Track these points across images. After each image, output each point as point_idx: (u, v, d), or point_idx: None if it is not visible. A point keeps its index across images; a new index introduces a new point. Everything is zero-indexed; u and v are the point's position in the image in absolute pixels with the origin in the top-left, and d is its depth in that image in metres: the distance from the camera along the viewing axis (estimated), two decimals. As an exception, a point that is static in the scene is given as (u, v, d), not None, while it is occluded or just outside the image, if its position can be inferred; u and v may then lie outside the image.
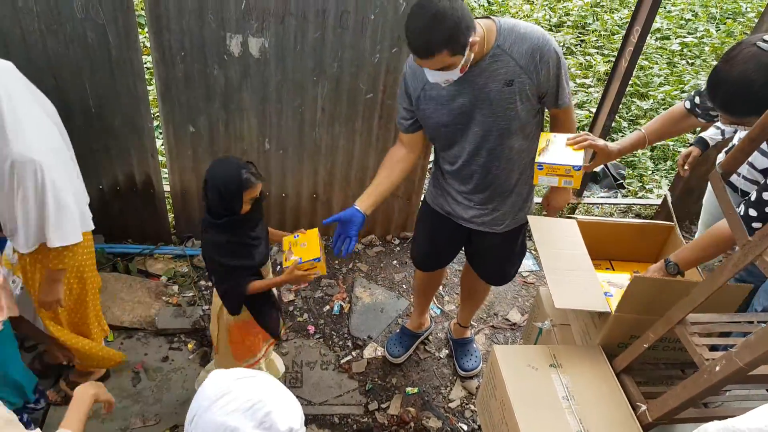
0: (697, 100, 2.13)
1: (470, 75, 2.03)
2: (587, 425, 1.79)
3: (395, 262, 3.70)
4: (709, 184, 2.92)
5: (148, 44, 2.88)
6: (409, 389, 3.02)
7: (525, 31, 2.02)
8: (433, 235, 2.61)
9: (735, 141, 2.66)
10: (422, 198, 2.69)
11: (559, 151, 2.05)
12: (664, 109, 5.21)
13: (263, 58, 2.89)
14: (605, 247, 2.36)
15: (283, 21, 2.79)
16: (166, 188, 3.43)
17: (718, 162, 2.76)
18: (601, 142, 2.08)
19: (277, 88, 3.01)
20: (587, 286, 1.99)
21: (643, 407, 1.82)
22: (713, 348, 1.74)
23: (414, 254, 2.82)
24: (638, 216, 4.22)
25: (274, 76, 2.96)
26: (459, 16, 1.82)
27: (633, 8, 3.20)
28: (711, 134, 2.84)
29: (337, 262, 3.63)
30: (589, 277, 2.03)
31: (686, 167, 2.70)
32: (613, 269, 2.42)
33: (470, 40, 1.88)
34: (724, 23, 6.67)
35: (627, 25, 3.29)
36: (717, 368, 1.47)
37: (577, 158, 2.01)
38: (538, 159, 2.05)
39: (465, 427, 2.88)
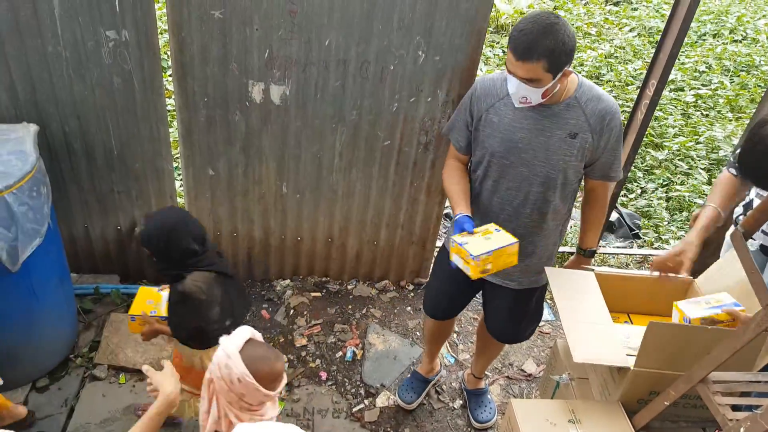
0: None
1: (540, 114, 2.05)
2: (608, 485, 1.73)
3: (409, 308, 3.67)
4: (727, 234, 2.91)
5: (170, 88, 2.96)
6: (422, 441, 2.96)
7: (601, 94, 2.09)
8: (447, 282, 2.59)
9: (752, 195, 2.65)
10: (441, 244, 2.67)
11: (478, 239, 2.06)
12: (680, 159, 5.22)
13: (284, 105, 2.95)
14: (623, 300, 2.33)
15: (305, 70, 2.85)
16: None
17: (735, 215, 2.77)
18: (684, 266, 2.08)
19: (296, 134, 3.06)
20: (606, 340, 1.95)
21: (666, 468, 1.76)
22: (735, 407, 1.69)
23: (426, 301, 2.80)
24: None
25: (293, 123, 3.02)
26: (568, 38, 1.87)
27: (648, 60, 3.25)
28: None
29: (350, 307, 3.61)
30: (608, 330, 1.99)
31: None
32: (632, 322, 2.38)
33: (566, 68, 1.91)
34: (738, 75, 6.73)
35: (642, 75, 3.33)
36: (741, 430, 1.42)
37: (481, 249, 2.01)
38: (454, 238, 2.09)
39: (479, 482, 2.80)
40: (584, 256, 2.42)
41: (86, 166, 3.04)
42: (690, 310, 2.00)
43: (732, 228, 2.88)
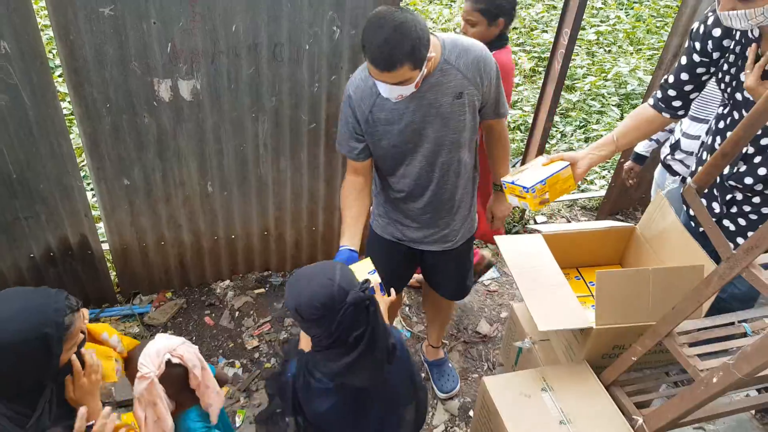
0: (658, 94, 2.17)
1: (419, 91, 1.99)
2: (589, 447, 1.77)
3: (357, 288, 3.61)
4: (656, 173, 3.02)
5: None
6: (390, 420, 2.95)
7: (467, 44, 2.05)
8: (387, 263, 2.53)
9: (678, 134, 2.75)
10: (370, 226, 2.61)
11: (527, 173, 2.07)
12: (592, 99, 5.37)
13: (196, 101, 2.74)
14: (571, 256, 2.37)
15: (214, 60, 2.65)
16: (105, 246, 3.21)
17: (663, 155, 2.86)
18: (567, 155, 2.10)
19: (215, 129, 2.86)
20: (566, 304, 1.98)
21: (640, 420, 1.82)
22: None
23: None
24: (584, 208, 4.32)
25: (210, 118, 2.81)
26: (420, 29, 1.79)
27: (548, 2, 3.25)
28: (644, 147, 3.02)
29: (297, 297, 3.50)
30: (565, 293, 2.02)
31: (631, 181, 2.90)
32: (582, 276, 2.43)
33: (428, 54, 1.85)
34: (632, 8, 6.96)
35: (544, 19, 3.34)
36: (714, 380, 1.47)
37: (534, 180, 2.01)
38: (504, 179, 2.09)
39: (453, 452, 2.84)
40: (501, 191, 2.43)
41: (-18, 196, 2.72)
42: (524, 181, 2.05)
43: (659, 167, 2.99)
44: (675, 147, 2.74)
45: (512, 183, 2.10)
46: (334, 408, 1.54)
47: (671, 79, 2.11)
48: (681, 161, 2.77)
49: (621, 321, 1.90)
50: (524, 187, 2.01)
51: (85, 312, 1.53)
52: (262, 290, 3.51)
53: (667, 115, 2.16)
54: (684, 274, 1.80)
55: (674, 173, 2.82)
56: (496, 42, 2.68)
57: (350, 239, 2.13)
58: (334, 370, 1.50)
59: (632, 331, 1.91)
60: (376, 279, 1.91)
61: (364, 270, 1.94)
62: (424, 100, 2.03)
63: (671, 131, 2.84)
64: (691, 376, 1.64)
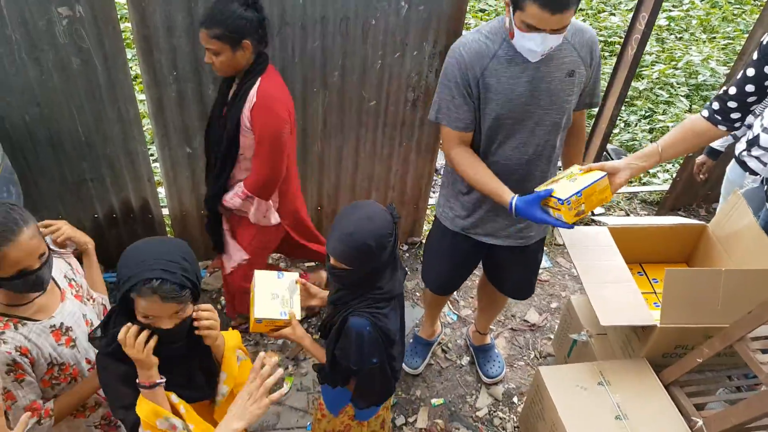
0: (715, 105, 2.03)
1: (536, 62, 1.93)
2: (645, 446, 1.73)
3: (405, 268, 3.60)
4: (728, 169, 2.89)
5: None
6: (434, 401, 2.95)
7: (581, 24, 2.00)
8: (451, 258, 2.49)
9: (757, 129, 2.61)
10: (434, 212, 2.56)
11: (562, 182, 1.95)
12: (659, 88, 5.16)
13: (260, 73, 2.75)
14: (636, 251, 2.29)
15: (280, 32, 2.64)
16: (165, 211, 3.29)
17: (738, 151, 2.72)
18: (607, 164, 1.97)
19: (276, 101, 2.87)
20: (630, 300, 1.92)
21: (700, 422, 1.76)
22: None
23: (429, 279, 2.68)
24: (644, 202, 4.18)
25: (272, 90, 2.82)
26: None
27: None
28: (720, 142, 2.88)
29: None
30: (630, 289, 1.95)
31: (702, 176, 2.75)
32: (645, 272, 2.35)
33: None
34: (708, -7, 6.62)
35: (610, 1, 3.21)
36: (790, 389, 1.41)
37: (570, 191, 1.89)
38: (537, 189, 1.98)
39: (495, 436, 2.82)
40: None
41: (54, 157, 2.81)
42: (559, 192, 1.90)
43: (732, 162, 2.85)
44: (753, 143, 2.59)
45: (547, 195, 1.94)
46: (398, 318, 1.79)
47: (733, 90, 1.94)
48: (758, 158, 2.62)
49: (687, 321, 1.83)
50: (559, 199, 1.87)
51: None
52: (312, 263, 3.54)
53: (723, 128, 1.99)
54: (760, 278, 1.72)
55: (749, 170, 2.68)
56: (257, 67, 2.31)
57: (507, 196, 2.01)
58: (390, 291, 1.72)
59: (698, 332, 1.84)
60: (588, 176, 1.91)
61: (573, 171, 1.96)
62: (539, 72, 1.95)
63: (749, 126, 2.69)
64: (757, 383, 1.57)
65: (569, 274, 3.66)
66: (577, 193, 1.86)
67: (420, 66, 2.87)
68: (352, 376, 1.82)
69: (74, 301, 1.77)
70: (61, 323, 1.68)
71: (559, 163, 2.31)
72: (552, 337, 3.24)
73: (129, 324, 1.48)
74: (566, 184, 1.94)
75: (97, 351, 1.60)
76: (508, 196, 2.01)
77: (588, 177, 1.92)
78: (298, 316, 1.81)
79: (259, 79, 2.30)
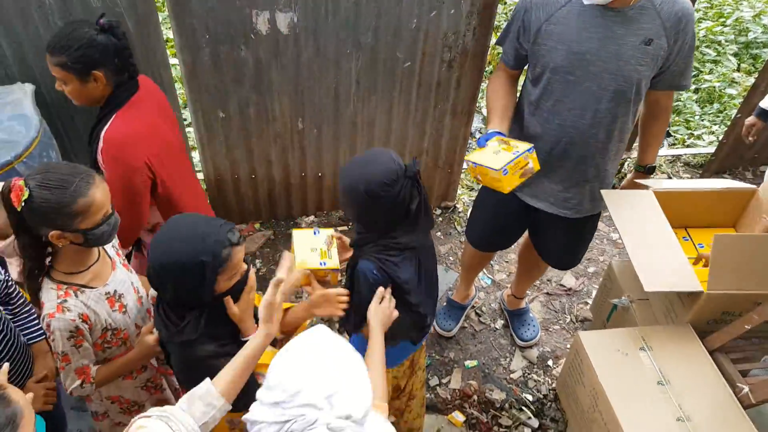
0: None
1: (610, 20, 1.82)
2: (687, 411, 1.70)
3: (439, 233, 3.58)
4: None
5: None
6: (468, 362, 2.96)
7: None
8: (494, 215, 2.46)
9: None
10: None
11: (491, 154, 1.90)
12: (706, 46, 4.92)
13: (293, 34, 2.70)
14: (681, 215, 2.22)
15: (313, -8, 2.59)
16: (200, 176, 3.31)
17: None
18: None
19: (309, 64, 2.83)
20: (675, 265, 1.87)
21: (746, 389, 1.73)
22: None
23: (473, 237, 2.66)
24: (687, 165, 4.05)
25: (305, 52, 2.78)
26: None
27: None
28: None
29: (379, 237, 3.52)
30: (675, 254, 1.90)
31: (751, 138, 2.63)
32: (691, 237, 2.29)
33: None
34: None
35: None
36: None
37: (504, 160, 1.85)
38: (468, 158, 1.94)
39: (530, 398, 2.82)
40: (644, 173, 2.24)
41: (88, 122, 2.81)
42: (491, 162, 1.84)
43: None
44: None
45: (475, 165, 1.89)
46: (413, 269, 1.75)
47: None
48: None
49: (736, 287, 1.78)
50: (494, 168, 1.82)
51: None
52: (345, 227, 3.54)
53: None
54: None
55: None
56: (112, 101, 2.04)
57: (499, 124, 2.02)
58: (405, 243, 1.68)
59: (746, 299, 1.80)
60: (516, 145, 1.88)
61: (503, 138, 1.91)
62: (610, 32, 1.84)
63: None
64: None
65: (608, 238, 3.59)
66: (510, 162, 1.84)
67: (457, 25, 2.79)
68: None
69: (123, 270, 1.80)
70: (114, 290, 1.72)
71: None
72: (589, 302, 3.21)
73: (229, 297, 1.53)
74: (492, 155, 1.90)
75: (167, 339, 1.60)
76: (493, 125, 2.03)
77: (518, 146, 1.89)
78: (337, 266, 1.84)
79: (113, 117, 2.02)
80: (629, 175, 2.31)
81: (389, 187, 1.58)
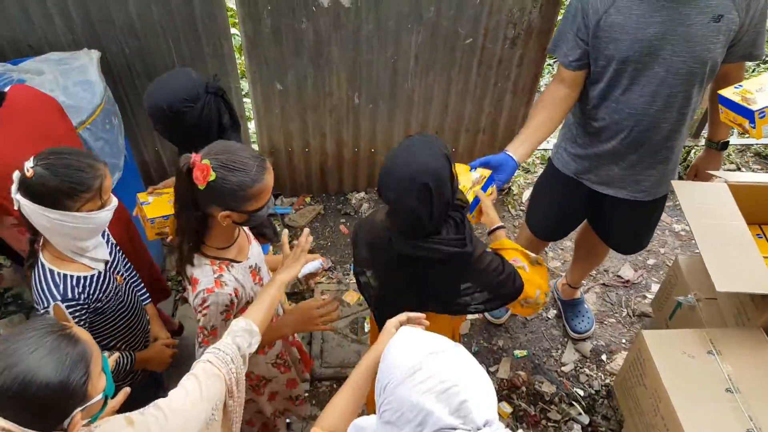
0: None
1: (675, 1, 1.72)
2: (759, 422, 1.60)
3: (492, 215, 3.49)
4: None
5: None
6: (517, 352, 2.90)
7: None
8: (562, 204, 2.36)
9: None
10: (548, 159, 2.41)
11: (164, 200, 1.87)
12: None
13: (354, 7, 2.64)
14: (756, 211, 2.08)
15: (377, -37, 2.52)
16: (254, 147, 3.32)
17: None
18: None
19: (368, 38, 2.77)
20: (750, 264, 1.75)
21: (823, 402, 1.61)
22: None
23: (533, 223, 2.57)
24: (758, 155, 3.82)
25: (365, 26, 2.72)
26: None
27: None
28: None
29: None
30: (750, 252, 1.78)
31: None
32: (764, 235, 2.14)
33: None
34: None
35: None
36: None
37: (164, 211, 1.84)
38: (723, 92, 1.79)
39: (581, 393, 2.75)
40: (717, 149, 2.11)
41: (151, 90, 2.87)
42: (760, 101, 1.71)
43: None
44: None
45: (141, 204, 1.86)
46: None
47: None
48: None
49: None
50: (149, 219, 1.79)
51: None
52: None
53: None
54: None
55: None
56: None
57: (514, 146, 1.95)
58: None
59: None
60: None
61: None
62: (676, 14, 1.73)
63: None
64: None
65: (670, 229, 3.43)
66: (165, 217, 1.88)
67: (523, 1, 2.67)
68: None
69: (255, 242, 1.80)
70: (255, 263, 1.72)
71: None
72: (647, 295, 3.09)
73: None
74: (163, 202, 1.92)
75: None
76: (510, 148, 1.95)
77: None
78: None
79: None
80: (700, 153, 2.17)
81: (191, 103, 1.72)
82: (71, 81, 2.38)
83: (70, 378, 1.08)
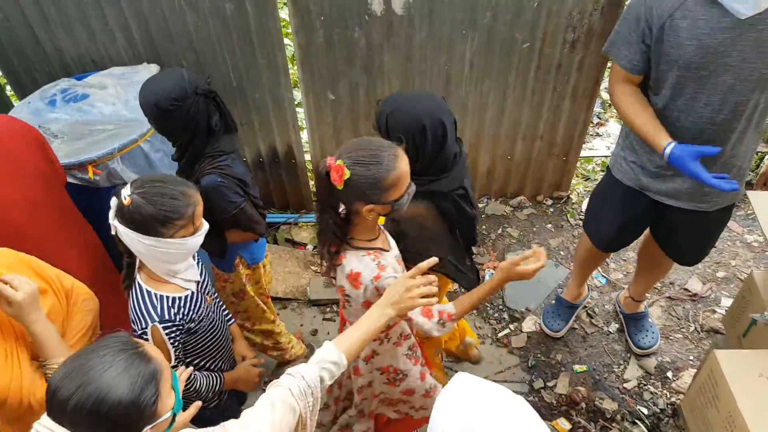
0: None
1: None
2: None
3: (549, 225, 3.39)
4: None
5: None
6: (576, 367, 2.78)
7: None
8: (623, 214, 2.25)
9: None
10: (607, 168, 2.31)
11: None
12: None
13: (407, 15, 2.62)
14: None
15: (430, -30, 2.48)
16: (307, 157, 3.33)
17: None
18: None
19: (421, 46, 2.73)
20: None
21: None
22: None
23: (594, 234, 2.47)
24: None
25: (418, 34, 2.69)
26: None
27: None
28: None
29: (484, 227, 3.39)
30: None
31: None
32: None
33: None
34: None
35: None
36: None
37: None
38: None
39: (645, 411, 2.60)
40: None
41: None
42: None
43: None
44: None
45: None
46: (244, 168, 2.07)
47: None
48: None
49: None
50: None
51: None
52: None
53: None
54: None
55: None
56: None
57: (667, 135, 1.84)
58: (226, 148, 1.95)
59: None
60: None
61: None
62: (746, 19, 1.63)
63: None
64: None
65: (741, 240, 3.23)
66: None
67: (583, 3, 2.58)
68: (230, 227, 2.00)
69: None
70: (397, 253, 1.73)
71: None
72: (717, 309, 2.91)
73: None
74: None
75: None
76: (665, 140, 1.80)
77: None
78: None
79: None
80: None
81: (179, 102, 1.79)
82: (132, 95, 2.45)
83: (141, 396, 1.09)
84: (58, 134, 2.37)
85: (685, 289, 3.02)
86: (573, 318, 2.92)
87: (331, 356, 1.34)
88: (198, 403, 1.44)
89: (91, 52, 2.69)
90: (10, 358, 1.38)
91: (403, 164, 1.48)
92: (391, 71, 2.83)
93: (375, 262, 1.57)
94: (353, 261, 1.57)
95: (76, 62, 2.72)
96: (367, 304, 1.56)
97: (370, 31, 2.66)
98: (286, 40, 3.19)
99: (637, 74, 1.89)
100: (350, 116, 3.02)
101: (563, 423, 2.59)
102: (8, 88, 3.18)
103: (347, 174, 1.42)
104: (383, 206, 1.50)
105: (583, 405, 2.65)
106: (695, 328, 2.88)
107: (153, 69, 2.57)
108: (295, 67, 2.90)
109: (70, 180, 2.16)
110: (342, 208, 1.55)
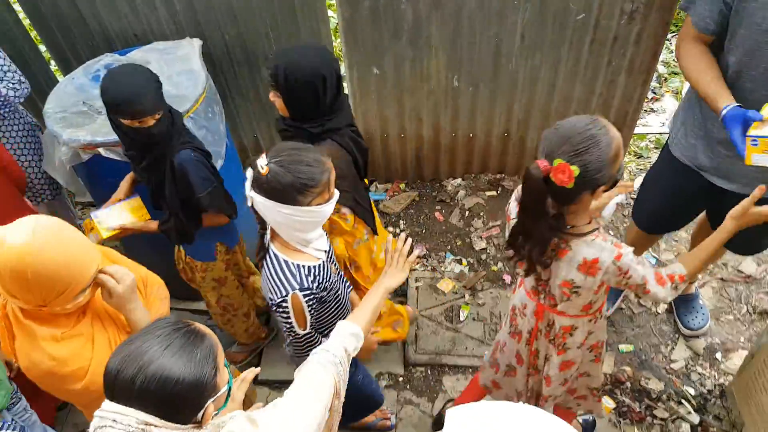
0: None
1: None
2: None
3: (596, 202, 3.30)
4: None
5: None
6: (622, 346, 2.74)
7: None
8: (675, 194, 2.16)
9: None
10: (664, 145, 2.21)
11: None
12: None
13: (458, -17, 2.51)
14: None
15: (483, -63, 2.36)
16: (348, 132, 3.27)
17: None
18: None
19: (471, 16, 2.62)
20: None
21: None
22: None
23: (637, 211, 2.39)
24: None
25: (467, 4, 2.58)
26: None
27: None
28: None
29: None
30: None
31: None
32: None
33: None
34: None
35: None
36: None
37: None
38: (751, 133, 1.59)
39: (692, 392, 2.57)
40: None
41: (249, 75, 2.87)
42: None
43: None
44: None
45: (763, 137, 1.59)
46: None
47: None
48: None
49: None
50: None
51: None
52: (494, 193, 3.37)
53: None
54: None
55: None
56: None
57: (730, 97, 1.74)
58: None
59: None
60: None
61: None
62: None
63: None
64: None
65: (800, 221, 3.11)
66: None
67: (644, -29, 2.44)
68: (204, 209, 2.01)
69: None
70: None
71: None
72: (773, 293, 2.83)
73: None
74: None
75: None
76: (723, 102, 1.70)
77: None
78: None
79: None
80: None
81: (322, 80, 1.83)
82: (175, 70, 2.41)
83: (202, 372, 1.12)
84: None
85: (739, 271, 2.93)
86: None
87: (348, 329, 1.45)
88: (256, 369, 1.50)
89: (134, 25, 2.64)
90: (116, 346, 1.41)
91: (615, 129, 1.42)
92: (438, 44, 2.73)
93: (608, 242, 1.51)
94: (583, 249, 1.51)
95: (119, 37, 2.68)
96: (599, 289, 1.58)
97: (417, 1, 2.56)
98: (330, 12, 3.11)
99: (710, 35, 1.79)
100: (395, 91, 2.94)
101: (607, 401, 2.57)
102: (52, 63, 3.16)
103: (576, 171, 1.36)
104: (609, 186, 1.46)
105: (628, 384, 2.62)
106: (747, 310, 2.81)
107: (195, 44, 2.51)
108: (338, 40, 2.81)
109: (113, 157, 2.18)
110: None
